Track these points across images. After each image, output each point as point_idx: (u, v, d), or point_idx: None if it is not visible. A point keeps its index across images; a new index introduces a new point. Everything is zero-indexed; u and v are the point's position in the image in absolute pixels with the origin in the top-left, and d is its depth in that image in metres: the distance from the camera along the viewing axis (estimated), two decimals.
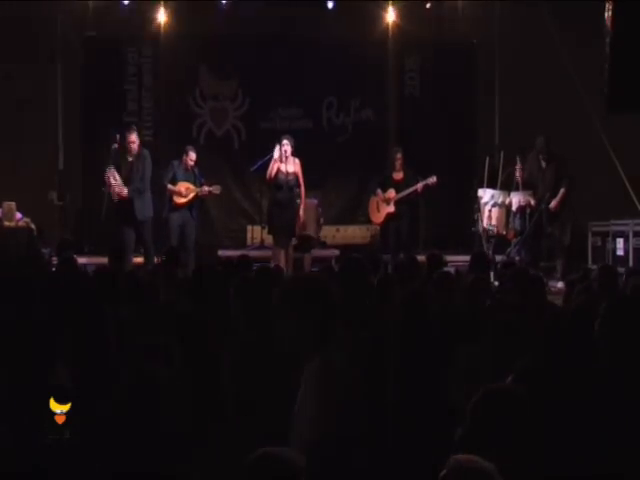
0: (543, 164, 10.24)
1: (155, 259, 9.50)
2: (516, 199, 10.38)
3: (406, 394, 4.05)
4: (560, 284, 9.23)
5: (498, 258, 9.92)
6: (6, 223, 10.42)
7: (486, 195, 10.71)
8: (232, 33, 12.74)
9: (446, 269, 6.75)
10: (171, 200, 10.21)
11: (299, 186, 10.14)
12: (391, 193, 11.04)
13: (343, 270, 5.33)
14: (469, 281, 5.38)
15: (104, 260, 8.05)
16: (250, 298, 4.15)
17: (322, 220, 11.74)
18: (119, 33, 12.81)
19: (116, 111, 12.68)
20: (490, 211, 10.59)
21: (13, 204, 10.56)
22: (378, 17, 12.92)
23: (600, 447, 3.01)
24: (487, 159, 11.36)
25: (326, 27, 12.65)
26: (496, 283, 7.58)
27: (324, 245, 11.97)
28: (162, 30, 12.54)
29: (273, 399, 3.40)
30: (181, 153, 10.39)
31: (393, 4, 12.93)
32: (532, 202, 10.21)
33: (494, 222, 10.46)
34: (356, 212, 13.07)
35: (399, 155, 11.10)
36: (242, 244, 12.13)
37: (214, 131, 13.00)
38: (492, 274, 8.44)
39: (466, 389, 2.77)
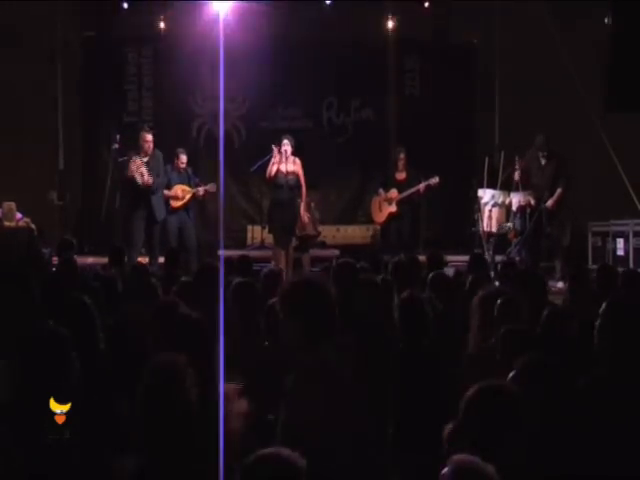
0: (543, 161, 10.22)
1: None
2: (516, 199, 10.36)
3: (406, 394, 4.05)
4: (560, 284, 9.22)
5: (498, 258, 9.91)
6: (6, 223, 10.40)
7: (486, 195, 10.71)
8: (232, 33, 12.70)
9: (446, 269, 6.76)
10: (168, 204, 10.24)
11: (300, 186, 10.12)
12: (393, 193, 11.03)
13: (336, 272, 5.36)
14: (469, 281, 5.39)
15: (104, 260, 8.04)
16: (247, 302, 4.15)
17: (317, 215, 11.53)
18: (119, 33, 12.81)
19: (116, 111, 12.69)
20: (490, 211, 10.59)
21: (13, 204, 10.54)
22: (378, 17, 12.90)
23: (600, 447, 3.01)
24: (487, 159, 11.35)
25: (326, 27, 12.64)
26: (496, 283, 7.57)
27: (324, 245, 11.94)
28: (162, 30, 12.54)
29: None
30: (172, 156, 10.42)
31: (393, 4, 12.92)
32: (532, 202, 10.20)
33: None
34: (356, 212, 13.07)
35: (402, 155, 11.07)
36: (242, 244, 12.12)
37: (214, 131, 12.99)
38: (492, 274, 8.42)
39: (466, 389, 2.77)
